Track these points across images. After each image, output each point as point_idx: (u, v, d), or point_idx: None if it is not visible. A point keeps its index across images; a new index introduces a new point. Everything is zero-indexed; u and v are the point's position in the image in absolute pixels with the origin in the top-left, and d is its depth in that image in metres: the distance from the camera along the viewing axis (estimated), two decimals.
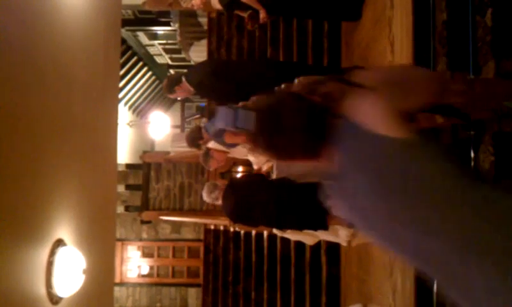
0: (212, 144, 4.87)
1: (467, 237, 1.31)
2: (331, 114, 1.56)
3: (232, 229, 7.77)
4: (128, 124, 12.67)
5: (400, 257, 1.57)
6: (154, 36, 12.33)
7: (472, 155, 2.47)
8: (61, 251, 2.96)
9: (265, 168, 5.24)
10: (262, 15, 4.60)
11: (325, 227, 4.38)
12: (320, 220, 4.34)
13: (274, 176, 4.91)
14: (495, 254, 1.27)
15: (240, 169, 8.61)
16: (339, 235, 4.73)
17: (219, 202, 4.39)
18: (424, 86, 1.56)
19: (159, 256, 10.76)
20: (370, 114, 1.46)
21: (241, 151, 4.98)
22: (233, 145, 4.79)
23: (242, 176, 5.85)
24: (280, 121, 1.57)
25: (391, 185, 1.43)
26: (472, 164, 2.47)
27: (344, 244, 4.86)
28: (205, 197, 4.52)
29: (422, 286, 2.90)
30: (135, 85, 13.39)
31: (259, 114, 1.62)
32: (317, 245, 5.71)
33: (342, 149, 1.52)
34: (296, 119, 1.56)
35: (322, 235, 4.87)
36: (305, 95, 1.64)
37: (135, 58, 12.41)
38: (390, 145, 1.41)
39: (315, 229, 4.55)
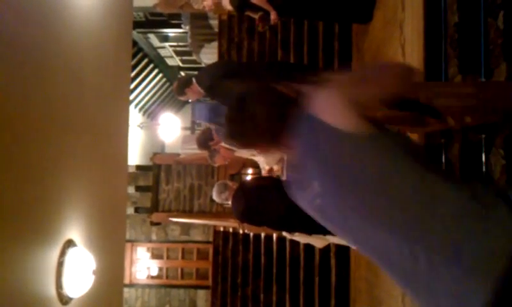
0: (222, 145, 4.88)
1: (412, 224, 1.33)
2: (296, 107, 1.58)
3: (241, 231, 7.77)
4: (138, 126, 12.72)
5: (354, 247, 1.59)
6: (165, 38, 12.36)
7: (483, 158, 2.45)
8: (71, 251, 2.97)
9: (276, 168, 5.23)
10: (273, 16, 4.60)
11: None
12: None
13: (283, 178, 4.91)
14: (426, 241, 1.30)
15: (250, 171, 8.62)
16: None
17: (229, 203, 4.39)
18: (385, 78, 1.52)
19: (168, 257, 10.78)
20: (326, 106, 1.48)
21: (249, 152, 4.98)
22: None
23: (253, 179, 5.86)
24: (245, 108, 1.62)
25: (342, 176, 1.45)
26: (483, 167, 2.46)
27: (353, 246, 4.85)
28: (215, 197, 4.53)
29: None
30: (146, 87, 13.43)
31: (230, 101, 1.70)
32: (327, 248, 5.70)
33: (300, 140, 1.55)
34: (260, 107, 1.61)
35: (332, 238, 4.86)
36: (278, 88, 1.67)
37: (146, 60, 12.45)
38: (341, 137, 1.43)
39: (325, 234, 4.55)
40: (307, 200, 1.61)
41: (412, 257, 1.31)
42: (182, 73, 13.59)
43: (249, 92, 1.68)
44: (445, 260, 1.25)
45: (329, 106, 1.47)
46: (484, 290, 1.18)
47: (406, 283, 1.39)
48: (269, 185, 4.48)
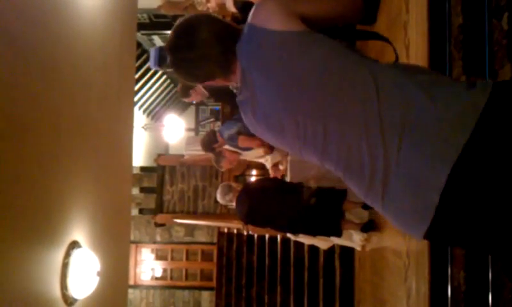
0: (226, 148, 4.89)
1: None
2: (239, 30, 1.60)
3: (245, 233, 7.77)
4: (143, 127, 12.73)
5: (299, 152, 1.56)
6: None
7: None
8: (76, 252, 2.98)
9: (282, 168, 5.24)
10: None
11: (339, 234, 4.37)
12: (334, 226, 4.33)
13: (288, 179, 4.91)
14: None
15: (254, 172, 8.62)
16: (353, 239, 4.72)
17: (233, 204, 4.40)
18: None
19: (172, 258, 10.79)
20: (266, 11, 1.50)
21: (255, 154, 4.98)
22: (248, 149, 4.81)
23: (257, 181, 5.86)
24: (193, 35, 1.58)
25: (282, 77, 1.46)
26: None
27: (358, 248, 4.85)
28: (219, 198, 4.53)
29: (437, 291, 2.88)
30: (150, 89, 13.45)
31: (174, 29, 1.63)
32: (331, 250, 5.69)
33: (244, 55, 1.55)
34: (208, 33, 1.58)
35: (336, 240, 4.87)
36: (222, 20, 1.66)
37: None
38: (276, 39, 1.46)
39: (329, 235, 4.55)
40: (254, 114, 1.59)
41: (370, 145, 1.33)
42: None
43: (196, 18, 1.64)
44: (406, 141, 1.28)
45: (264, 12, 1.50)
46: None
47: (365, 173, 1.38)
48: (273, 187, 4.49)
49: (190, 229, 10.48)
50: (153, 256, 10.83)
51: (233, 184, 4.63)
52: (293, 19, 1.46)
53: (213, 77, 1.64)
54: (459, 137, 1.21)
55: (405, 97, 1.31)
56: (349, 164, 1.40)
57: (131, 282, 10.41)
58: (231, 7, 4.76)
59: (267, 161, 5.21)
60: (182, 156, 9.35)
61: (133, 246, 10.37)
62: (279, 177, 5.23)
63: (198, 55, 1.59)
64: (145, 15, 10.49)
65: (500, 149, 1.18)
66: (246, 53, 1.55)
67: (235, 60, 1.58)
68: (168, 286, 10.77)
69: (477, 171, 1.20)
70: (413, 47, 3.25)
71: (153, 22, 10.89)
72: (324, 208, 4.24)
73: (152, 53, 4.73)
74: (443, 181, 1.22)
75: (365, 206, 4.33)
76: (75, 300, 2.99)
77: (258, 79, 1.52)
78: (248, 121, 1.64)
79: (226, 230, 8.18)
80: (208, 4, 4.96)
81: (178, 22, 1.64)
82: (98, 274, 3.09)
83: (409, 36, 3.34)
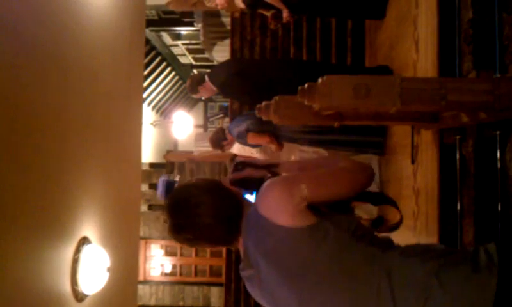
0: (236, 146, 4.89)
1: None
2: (244, 206, 1.62)
3: None
4: (152, 124, 12.75)
5: None
6: (178, 37, 12.38)
7: (498, 154, 2.44)
8: (86, 248, 2.99)
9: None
10: (285, 14, 4.59)
11: None
12: None
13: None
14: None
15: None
16: None
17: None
18: (344, 178, 1.58)
19: (181, 254, 10.82)
20: (273, 204, 1.49)
21: (265, 154, 4.97)
22: (256, 146, 4.80)
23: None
24: (195, 217, 1.58)
25: (288, 270, 1.48)
26: (498, 164, 2.44)
27: None
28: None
29: None
30: (159, 85, 13.47)
31: (172, 198, 1.65)
32: None
33: (250, 236, 1.56)
34: (210, 218, 1.58)
35: None
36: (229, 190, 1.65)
37: (159, 58, 12.48)
38: (285, 234, 1.46)
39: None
40: (261, 295, 1.61)
41: None
42: (195, 71, 13.62)
43: (194, 187, 1.64)
44: None
45: (272, 204, 1.50)
46: None
47: None
48: None
49: None
50: (162, 252, 10.86)
51: None
52: (301, 212, 1.46)
53: (216, 247, 1.73)
54: None
55: (417, 289, 1.36)
56: None
57: (141, 278, 10.45)
58: (240, 4, 4.75)
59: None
60: (191, 152, 9.35)
61: (142, 242, 10.40)
62: None
63: (202, 236, 1.61)
64: (154, 12, 10.49)
65: None
66: (253, 237, 1.56)
67: (238, 235, 1.60)
68: (177, 282, 10.80)
69: None
70: (423, 41, 3.23)
71: (162, 19, 10.89)
72: (332, 205, 4.23)
73: (160, 184, 5.29)
74: None
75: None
76: (85, 295, 3.00)
77: (265, 265, 1.53)
78: (254, 294, 1.66)
79: None
80: (217, 0, 4.95)
81: (175, 196, 1.66)
82: (108, 269, 3.10)
83: (418, 30, 3.33)
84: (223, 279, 8.84)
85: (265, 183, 1.55)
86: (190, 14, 10.08)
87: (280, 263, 1.49)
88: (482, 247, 1.38)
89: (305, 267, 1.46)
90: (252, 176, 1.66)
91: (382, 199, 1.85)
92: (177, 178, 5.47)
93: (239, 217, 1.59)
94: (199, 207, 1.57)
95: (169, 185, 5.15)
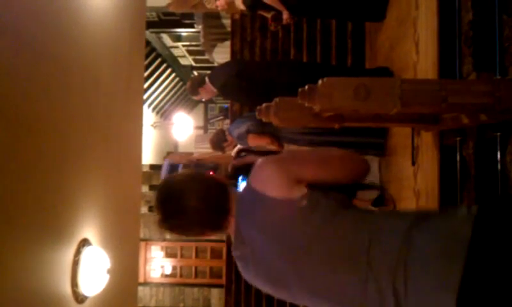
0: (236, 148, 4.89)
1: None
2: (232, 188, 1.70)
3: None
4: (152, 125, 12.76)
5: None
6: (178, 38, 12.39)
7: (498, 156, 2.44)
8: (86, 250, 2.99)
9: None
10: (285, 16, 4.59)
11: None
12: None
13: None
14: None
15: None
16: None
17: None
18: (334, 161, 1.65)
19: (182, 256, 10.82)
20: (265, 177, 1.58)
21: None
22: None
23: None
24: (180, 202, 1.64)
25: (284, 239, 1.54)
26: (498, 165, 2.44)
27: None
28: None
29: None
30: (159, 87, 13.47)
31: (159, 190, 1.73)
32: None
33: (243, 213, 1.62)
34: (197, 201, 1.64)
35: None
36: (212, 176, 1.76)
37: (159, 60, 12.49)
38: (278, 205, 1.53)
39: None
40: (252, 267, 1.66)
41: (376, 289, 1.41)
42: (195, 73, 13.61)
43: (185, 178, 1.70)
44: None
45: (264, 178, 1.58)
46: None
47: None
48: None
49: None
50: (162, 253, 10.86)
51: None
52: (293, 185, 1.53)
53: (203, 234, 1.76)
54: (454, 267, 1.31)
55: (400, 238, 1.42)
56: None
57: (141, 279, 10.44)
58: (240, 5, 4.75)
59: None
60: (191, 154, 9.35)
61: (142, 244, 10.39)
62: None
63: (190, 220, 1.66)
64: (154, 13, 10.50)
65: (496, 269, 1.29)
66: (247, 215, 1.61)
67: (227, 217, 1.66)
68: (178, 283, 10.80)
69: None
70: (423, 43, 3.23)
71: (162, 20, 10.90)
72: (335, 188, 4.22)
73: (164, 167, 5.52)
74: None
75: (376, 204, 4.31)
76: (86, 297, 3.00)
77: (259, 238, 1.59)
78: (247, 275, 1.71)
79: None
80: (217, 2, 4.96)
81: (161, 188, 1.74)
82: (109, 271, 3.10)
83: (418, 32, 3.33)
84: (223, 280, 8.84)
85: (258, 161, 1.63)
86: (190, 15, 10.09)
87: (275, 234, 1.55)
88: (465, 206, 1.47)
89: (299, 235, 1.52)
90: (254, 162, 1.70)
91: (381, 201, 1.92)
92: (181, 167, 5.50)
93: (225, 198, 1.65)
94: (184, 192, 1.64)
95: (172, 169, 5.20)
